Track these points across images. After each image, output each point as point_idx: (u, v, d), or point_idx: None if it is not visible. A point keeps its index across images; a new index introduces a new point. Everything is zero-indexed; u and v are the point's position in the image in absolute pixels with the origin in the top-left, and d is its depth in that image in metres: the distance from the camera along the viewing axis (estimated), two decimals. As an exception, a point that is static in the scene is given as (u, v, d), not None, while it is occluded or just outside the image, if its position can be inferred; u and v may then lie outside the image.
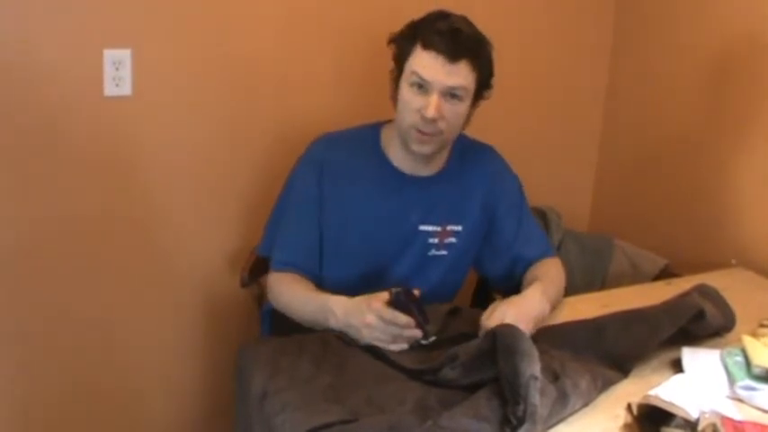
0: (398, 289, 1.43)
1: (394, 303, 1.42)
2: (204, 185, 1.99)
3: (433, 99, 1.51)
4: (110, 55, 1.78)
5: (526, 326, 1.45)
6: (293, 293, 1.60)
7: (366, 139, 1.69)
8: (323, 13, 2.00)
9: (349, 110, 1.94)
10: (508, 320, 1.43)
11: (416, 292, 1.45)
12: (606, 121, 2.48)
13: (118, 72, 1.79)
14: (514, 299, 1.53)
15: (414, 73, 1.53)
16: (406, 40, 1.56)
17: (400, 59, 1.58)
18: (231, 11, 1.90)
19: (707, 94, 2.12)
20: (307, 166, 1.67)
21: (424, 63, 1.51)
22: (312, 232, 1.65)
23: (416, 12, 1.59)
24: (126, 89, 1.81)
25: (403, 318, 1.41)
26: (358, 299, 1.48)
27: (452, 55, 1.50)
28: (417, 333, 1.44)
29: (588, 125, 2.49)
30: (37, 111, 1.76)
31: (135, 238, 1.94)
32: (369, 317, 1.42)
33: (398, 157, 1.66)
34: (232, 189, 2.02)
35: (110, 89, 1.80)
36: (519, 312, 1.47)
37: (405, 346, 1.44)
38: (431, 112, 1.51)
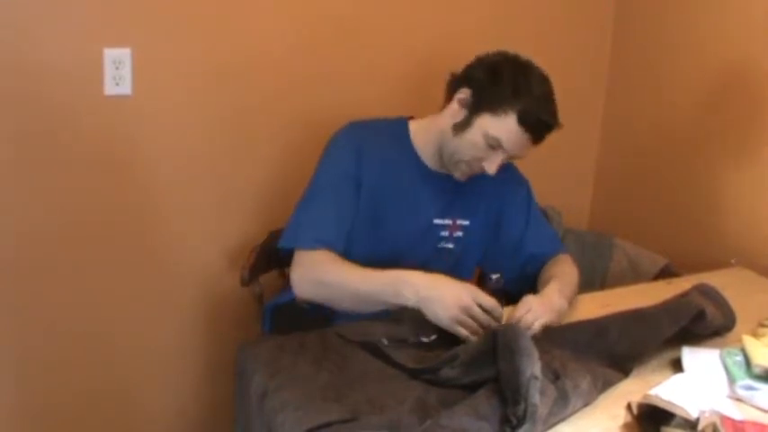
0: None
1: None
2: (204, 184, 1.99)
3: (499, 159, 1.58)
4: (110, 54, 1.78)
5: (551, 314, 1.50)
6: (345, 271, 1.55)
7: (395, 131, 1.71)
8: (323, 12, 1.99)
9: (349, 110, 1.94)
10: (534, 309, 1.48)
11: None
12: (606, 121, 2.48)
13: (118, 71, 1.79)
14: (536, 296, 1.56)
15: (496, 139, 1.56)
16: (502, 96, 1.56)
17: (487, 104, 1.57)
18: (231, 10, 1.89)
19: (706, 95, 2.12)
20: (343, 148, 1.66)
21: (513, 137, 1.57)
22: (349, 211, 1.62)
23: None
24: (126, 88, 1.81)
25: (500, 309, 1.43)
26: (443, 277, 1.48)
27: (539, 141, 1.59)
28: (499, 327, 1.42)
29: (588, 125, 2.49)
30: (37, 110, 1.76)
31: (134, 237, 1.94)
32: (465, 298, 1.42)
33: (427, 155, 1.69)
34: (232, 188, 2.02)
35: (110, 88, 1.80)
36: (543, 303, 1.51)
37: (473, 338, 1.41)
38: (492, 171, 1.59)
